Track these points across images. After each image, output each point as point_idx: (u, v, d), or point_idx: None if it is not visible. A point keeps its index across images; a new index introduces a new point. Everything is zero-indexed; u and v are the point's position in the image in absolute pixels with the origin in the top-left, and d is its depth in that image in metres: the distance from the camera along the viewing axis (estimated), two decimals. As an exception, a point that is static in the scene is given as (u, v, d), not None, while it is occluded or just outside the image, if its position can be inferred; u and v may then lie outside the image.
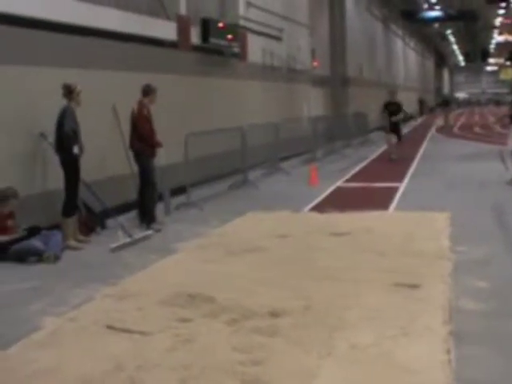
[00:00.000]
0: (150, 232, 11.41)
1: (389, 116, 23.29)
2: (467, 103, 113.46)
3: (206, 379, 5.20)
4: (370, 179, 17.85)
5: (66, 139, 10.37)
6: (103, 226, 11.82)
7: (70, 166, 10.53)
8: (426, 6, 63.74)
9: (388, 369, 5.34)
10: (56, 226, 10.57)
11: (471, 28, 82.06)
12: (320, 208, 13.36)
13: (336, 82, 35.11)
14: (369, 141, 31.09)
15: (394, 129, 23.26)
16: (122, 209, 12.77)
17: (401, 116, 23.83)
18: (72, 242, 10.53)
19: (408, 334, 6.09)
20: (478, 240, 10.02)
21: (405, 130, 40.06)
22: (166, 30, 15.63)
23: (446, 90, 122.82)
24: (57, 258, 9.67)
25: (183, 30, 16.50)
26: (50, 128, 10.55)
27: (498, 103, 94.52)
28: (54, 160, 10.69)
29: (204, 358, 5.62)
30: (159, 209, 12.67)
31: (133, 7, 14.16)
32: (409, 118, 53.91)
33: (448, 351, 5.66)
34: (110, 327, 6.54)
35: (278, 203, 13.96)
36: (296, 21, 26.65)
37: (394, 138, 23.18)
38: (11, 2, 10.63)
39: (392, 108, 23.46)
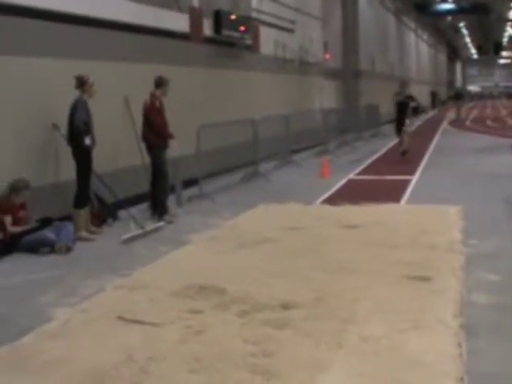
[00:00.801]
0: (161, 224, 11.43)
1: (397, 109, 21.49)
2: (480, 96, 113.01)
3: (217, 371, 5.21)
4: (381, 172, 17.82)
5: (76, 131, 10.40)
6: (115, 218, 11.84)
7: (82, 157, 10.55)
8: (438, -2, 63.54)
9: (399, 361, 5.33)
10: (68, 218, 10.60)
11: (484, 21, 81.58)
12: (332, 200, 13.34)
13: (348, 75, 35.03)
14: (380, 133, 31.00)
15: (401, 119, 21.33)
16: (134, 200, 12.78)
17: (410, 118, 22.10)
18: (84, 234, 10.56)
19: (419, 326, 6.08)
20: (490, 233, 9.99)
21: (417, 123, 40.02)
22: (178, 21, 15.62)
23: (458, 83, 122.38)
24: (69, 249, 9.70)
25: (196, 21, 16.49)
26: (63, 119, 10.57)
27: (510, 96, 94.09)
28: (67, 151, 10.71)
29: (215, 350, 5.63)
30: (171, 200, 12.69)
31: (145, -1, 14.19)
32: (421, 111, 53.80)
33: (459, 344, 5.65)
34: (121, 318, 6.55)
35: (290, 195, 13.95)
36: (308, 13, 26.60)
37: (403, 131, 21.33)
38: (24, -6, 10.66)
39: (399, 98, 21.55)
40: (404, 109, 21.32)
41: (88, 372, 5.28)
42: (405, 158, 20.44)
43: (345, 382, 5.02)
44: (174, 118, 12.67)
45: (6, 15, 10.28)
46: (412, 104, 21.74)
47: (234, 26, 18.36)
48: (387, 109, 29.52)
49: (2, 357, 5.72)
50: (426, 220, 11.15)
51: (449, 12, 66.89)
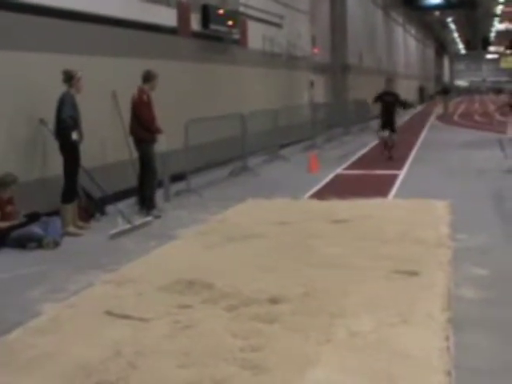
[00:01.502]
0: (149, 218, 11.41)
1: (384, 108, 20.25)
2: (467, 91, 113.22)
3: (205, 365, 5.21)
4: (369, 166, 17.83)
5: (63, 126, 10.37)
6: (103, 213, 11.83)
7: (70, 152, 10.52)
8: (426, -7, 63.63)
9: (387, 356, 5.34)
10: (55, 213, 10.57)
11: (472, 16, 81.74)
12: (320, 195, 13.35)
13: (336, 69, 35.06)
14: (369, 128, 30.99)
15: (388, 121, 20.07)
16: (122, 195, 12.77)
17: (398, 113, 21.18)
18: (71, 229, 10.53)
19: (407, 321, 6.10)
20: (478, 228, 10.02)
21: (405, 117, 40.09)
22: (166, 16, 15.60)
23: (446, 78, 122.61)
24: (56, 244, 9.68)
25: (183, 16, 16.47)
26: (51, 114, 10.54)
27: (498, 91, 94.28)
28: (54, 146, 10.68)
29: (203, 345, 5.63)
30: (159, 195, 12.68)
31: (133, -7, 14.14)
32: (409, 106, 53.91)
33: (447, 338, 5.67)
34: (109, 313, 6.55)
35: (278, 190, 13.96)
36: (296, 8, 26.59)
37: (387, 133, 19.90)
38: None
39: (388, 99, 20.22)
40: (392, 108, 20.28)
41: (76, 367, 5.27)
42: (392, 151, 19.83)
43: (333, 377, 5.03)
44: (161, 113, 12.64)
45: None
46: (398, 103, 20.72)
47: (222, 20, 18.35)
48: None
49: (-10, 352, 5.71)
50: (414, 215, 11.17)
51: (437, 7, 66.96)
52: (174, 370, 5.17)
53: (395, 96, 20.80)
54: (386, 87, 21.77)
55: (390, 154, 19.51)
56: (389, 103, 20.19)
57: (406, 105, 20.91)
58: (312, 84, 29.13)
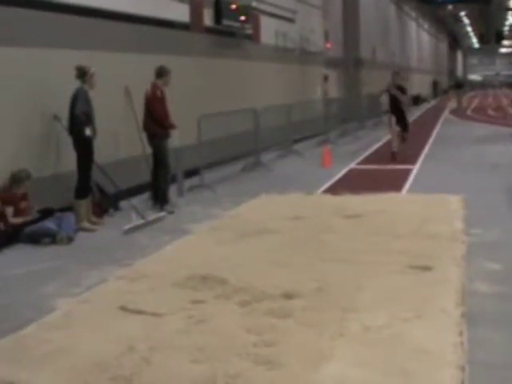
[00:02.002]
0: (163, 214, 11.43)
1: (391, 103, 18.80)
2: (481, 85, 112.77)
3: (219, 360, 5.21)
4: (383, 161, 17.79)
5: (77, 122, 10.39)
6: (116, 208, 11.85)
7: (83, 148, 10.55)
8: (439, -13, 63.37)
9: (401, 350, 5.33)
10: (69, 208, 10.60)
11: (485, 10, 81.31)
12: (333, 190, 13.33)
13: (349, 64, 34.95)
14: (382, 122, 30.90)
15: (399, 116, 18.65)
16: (135, 191, 12.80)
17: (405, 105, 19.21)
18: (85, 224, 10.56)
19: (421, 315, 6.08)
20: (492, 223, 9.98)
21: (418, 112, 39.98)
22: (178, 11, 15.60)
23: (459, 72, 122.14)
24: (70, 240, 9.71)
25: (196, 11, 16.46)
26: (64, 110, 10.57)
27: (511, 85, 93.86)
28: (68, 142, 10.70)
29: (216, 340, 5.63)
30: (172, 191, 12.69)
31: (146, -11, 14.15)
32: (422, 100, 53.72)
33: (461, 333, 5.66)
34: (122, 309, 6.56)
35: (291, 185, 13.96)
36: (309, 2, 26.54)
37: (397, 128, 18.69)
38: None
39: (394, 92, 18.64)
40: (398, 103, 18.70)
41: (90, 362, 5.28)
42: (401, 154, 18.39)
43: (347, 372, 5.02)
44: (174, 108, 12.67)
45: (8, 6, 10.27)
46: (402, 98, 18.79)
47: (235, 15, 18.32)
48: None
49: (5, 347, 5.74)
50: (428, 209, 11.14)
51: (450, 1, 66.67)
52: (187, 365, 5.18)
53: (401, 89, 18.88)
54: (392, 81, 19.39)
55: (399, 146, 18.37)
56: (395, 97, 18.65)
57: (403, 95, 18.49)
58: (326, 78, 29.05)
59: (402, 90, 18.97)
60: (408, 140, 19.28)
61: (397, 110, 18.68)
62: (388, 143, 20.16)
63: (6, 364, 5.37)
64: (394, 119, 18.63)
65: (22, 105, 10.49)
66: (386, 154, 18.50)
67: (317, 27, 27.63)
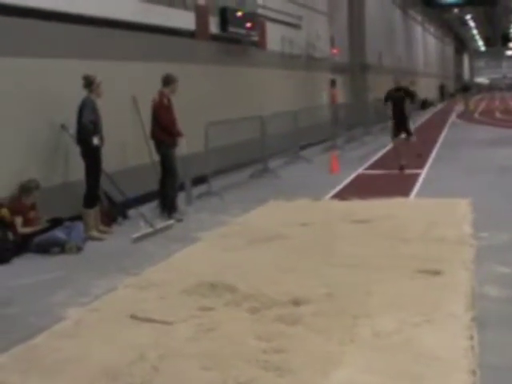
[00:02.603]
0: (171, 221, 11.44)
1: (394, 107, 17.76)
2: (488, 88, 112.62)
3: (229, 367, 5.22)
4: (390, 166, 17.74)
5: (84, 131, 10.43)
6: (125, 217, 11.87)
7: (91, 157, 10.57)
8: (445, -9, 63.27)
9: (411, 355, 5.33)
10: (78, 217, 10.62)
11: (491, 12, 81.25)
12: (341, 195, 13.34)
13: (355, 70, 34.94)
14: (389, 128, 30.87)
15: (401, 124, 17.76)
16: (144, 199, 12.81)
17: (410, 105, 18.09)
18: (94, 233, 10.58)
19: (431, 320, 6.08)
20: (500, 226, 9.95)
21: (425, 116, 39.91)
22: (184, 19, 15.62)
23: (466, 75, 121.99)
24: (79, 249, 9.73)
25: (202, 19, 16.48)
26: (72, 120, 10.60)
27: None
28: (76, 151, 10.73)
29: (226, 347, 5.64)
30: (180, 198, 12.70)
31: (151, -2, 14.19)
32: (429, 104, 53.66)
33: (471, 337, 5.65)
34: (132, 317, 6.57)
35: (299, 191, 13.95)
36: (315, 8, 26.56)
37: (401, 137, 17.70)
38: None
39: (396, 95, 17.87)
40: (401, 105, 17.74)
41: (100, 371, 5.29)
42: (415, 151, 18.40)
43: (357, 377, 5.02)
44: (181, 116, 12.67)
45: (16, 17, 10.32)
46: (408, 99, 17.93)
47: (241, 22, 18.33)
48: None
49: (15, 357, 5.75)
50: (436, 213, 11.13)
51: (455, 4, 66.50)
52: (197, 373, 5.18)
53: (403, 90, 18.22)
54: (394, 85, 18.55)
55: (402, 163, 16.99)
56: (398, 99, 17.76)
57: (413, 97, 18.23)
58: (334, 83, 29.01)
59: (407, 92, 18.29)
60: (415, 144, 18.44)
61: (399, 113, 17.75)
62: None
63: (17, 373, 5.37)
64: (396, 132, 17.80)
65: (30, 115, 10.52)
66: (394, 161, 18.21)
67: (323, 33, 27.64)
